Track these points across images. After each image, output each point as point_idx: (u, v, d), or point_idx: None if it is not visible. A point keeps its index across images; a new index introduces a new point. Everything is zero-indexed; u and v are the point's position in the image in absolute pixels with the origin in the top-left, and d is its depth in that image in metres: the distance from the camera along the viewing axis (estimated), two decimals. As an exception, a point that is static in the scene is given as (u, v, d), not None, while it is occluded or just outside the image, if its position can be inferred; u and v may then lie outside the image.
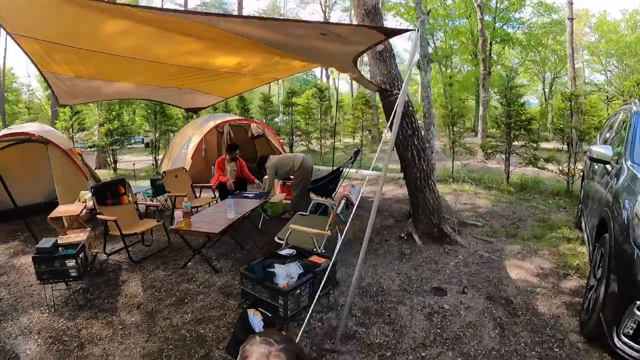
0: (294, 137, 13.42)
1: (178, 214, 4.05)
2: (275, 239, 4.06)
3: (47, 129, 6.34)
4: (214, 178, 6.19)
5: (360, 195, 3.97)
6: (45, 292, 3.54)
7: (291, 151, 13.03)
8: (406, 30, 2.78)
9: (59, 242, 3.56)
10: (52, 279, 3.39)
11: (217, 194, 6.31)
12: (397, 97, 4.70)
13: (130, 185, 4.98)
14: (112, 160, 11.28)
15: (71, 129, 9.68)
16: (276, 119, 15.38)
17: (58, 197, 5.18)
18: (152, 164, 11.87)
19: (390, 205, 6.54)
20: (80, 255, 3.47)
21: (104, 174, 10.52)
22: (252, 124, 9.07)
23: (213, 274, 4.01)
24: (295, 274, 2.56)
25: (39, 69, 4.39)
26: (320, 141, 13.28)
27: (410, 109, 4.87)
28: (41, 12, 2.80)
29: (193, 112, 7.96)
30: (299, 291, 2.54)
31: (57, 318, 3.26)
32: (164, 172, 5.83)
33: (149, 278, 3.97)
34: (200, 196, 6.30)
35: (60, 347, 2.86)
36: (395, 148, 5.07)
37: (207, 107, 7.45)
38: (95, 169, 12.02)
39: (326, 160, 11.77)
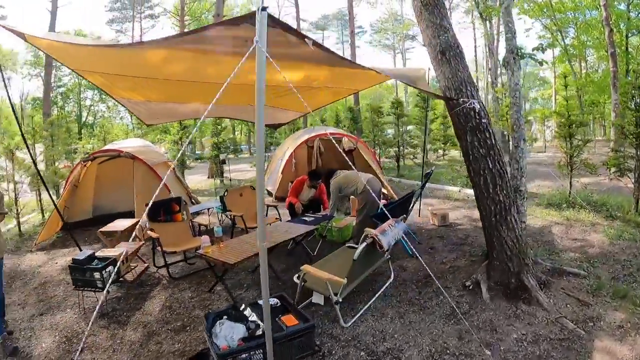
0: (400, 149, 12.44)
1: (205, 238, 3.93)
2: (294, 278, 3.56)
3: (144, 144, 7.25)
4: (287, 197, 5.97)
5: (399, 236, 3.18)
6: (80, 296, 3.82)
7: (397, 165, 12.18)
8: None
9: (96, 254, 3.82)
10: (83, 286, 3.64)
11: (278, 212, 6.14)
12: (465, 107, 3.73)
13: (186, 203, 5.15)
14: (219, 171, 12.49)
15: (180, 142, 11.02)
16: (389, 131, 14.45)
17: (135, 209, 5.76)
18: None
19: (476, 237, 5.28)
20: (107, 269, 3.64)
21: (211, 185, 11.68)
22: (344, 138, 8.70)
23: (230, 303, 3.75)
24: (236, 338, 2.04)
25: (111, 97, 4.96)
26: (426, 154, 12.05)
27: (484, 120, 3.77)
28: (95, 54, 3.23)
29: (273, 128, 8.15)
30: (244, 356, 2.01)
31: (80, 321, 3.54)
32: (226, 190, 5.89)
33: (173, 298, 3.95)
34: (267, 215, 6.19)
35: (66, 347, 3.12)
36: (467, 170, 4.02)
37: (288, 122, 7.51)
38: (208, 177, 13.62)
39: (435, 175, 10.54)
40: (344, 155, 2.82)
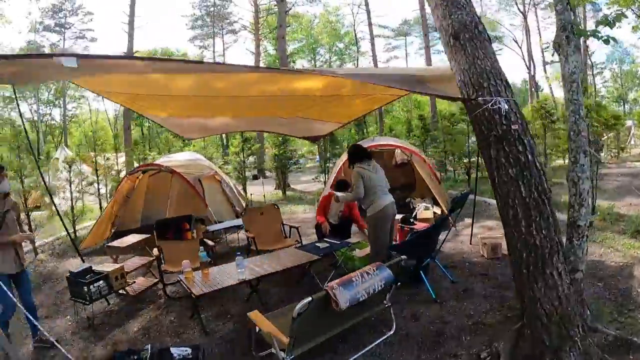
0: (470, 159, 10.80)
1: (185, 264, 3.75)
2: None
3: (192, 158, 7.60)
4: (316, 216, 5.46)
5: (377, 287, 2.53)
6: (74, 307, 3.98)
7: (468, 178, 10.60)
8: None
9: (93, 268, 3.95)
10: (76, 298, 3.78)
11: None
12: (487, 108, 2.85)
13: (201, 221, 5.11)
14: (283, 183, 12.62)
15: (242, 154, 11.42)
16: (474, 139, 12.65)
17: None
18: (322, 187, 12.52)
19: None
20: (95, 284, 3.72)
21: (274, 196, 11.81)
22: (397, 150, 7.87)
23: (203, 335, 3.47)
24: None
25: (137, 113, 5.24)
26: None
27: (515, 127, 2.78)
28: (114, 78, 3.48)
29: (312, 140, 7.81)
30: None
31: (69, 329, 3.73)
32: (245, 208, 5.69)
33: (156, 320, 3.86)
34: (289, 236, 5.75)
35: (44, 352, 3.30)
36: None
37: (326, 134, 7.13)
38: (275, 189, 13.91)
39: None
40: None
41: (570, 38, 2.92)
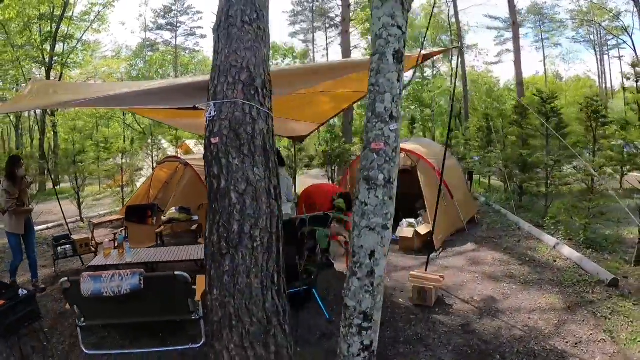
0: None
1: (106, 242, 4.67)
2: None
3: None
4: None
5: (124, 289, 2.89)
6: (55, 263, 5.36)
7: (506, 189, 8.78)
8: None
9: (70, 236, 5.35)
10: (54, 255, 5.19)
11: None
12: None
13: (160, 211, 6.11)
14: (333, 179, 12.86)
15: (294, 149, 12.08)
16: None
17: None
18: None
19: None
20: (62, 247, 5.10)
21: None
22: (401, 154, 7.25)
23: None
24: None
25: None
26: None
27: (215, 141, 2.25)
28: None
29: (298, 141, 7.94)
30: None
31: (50, 277, 5.03)
32: (200, 205, 6.25)
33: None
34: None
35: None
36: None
37: (308, 134, 7.21)
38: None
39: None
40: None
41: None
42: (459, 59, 5.20)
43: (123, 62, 24.82)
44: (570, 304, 3.70)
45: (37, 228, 7.34)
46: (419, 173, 6.78)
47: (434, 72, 27.46)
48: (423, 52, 4.18)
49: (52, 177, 9.12)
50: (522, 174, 8.30)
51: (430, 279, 3.82)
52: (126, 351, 3.17)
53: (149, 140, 12.22)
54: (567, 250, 5.05)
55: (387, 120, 1.80)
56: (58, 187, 11.91)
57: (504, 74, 55.38)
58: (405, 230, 5.98)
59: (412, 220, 6.22)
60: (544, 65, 30.25)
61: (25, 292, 3.42)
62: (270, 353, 1.89)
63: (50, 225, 8.01)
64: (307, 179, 12.75)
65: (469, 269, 4.80)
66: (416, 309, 3.73)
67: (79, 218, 8.29)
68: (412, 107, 26.05)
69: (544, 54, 29.59)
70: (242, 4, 2.30)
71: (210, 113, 2.16)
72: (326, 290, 4.23)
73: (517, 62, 15.21)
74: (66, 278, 3.02)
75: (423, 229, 5.87)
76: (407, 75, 29.99)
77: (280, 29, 65.80)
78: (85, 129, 17.51)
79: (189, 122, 6.45)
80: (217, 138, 2.13)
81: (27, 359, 3.12)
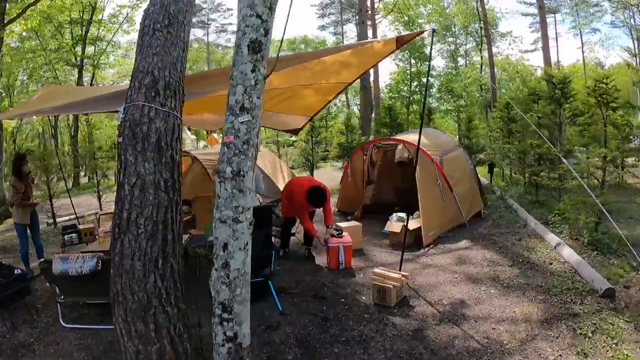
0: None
1: (101, 231, 5.01)
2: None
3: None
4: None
5: (84, 270, 3.22)
6: (63, 249, 5.83)
7: (527, 183, 8.06)
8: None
9: (78, 226, 5.78)
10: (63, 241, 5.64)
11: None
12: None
13: None
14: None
15: (311, 142, 12.12)
16: None
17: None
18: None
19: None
20: (68, 235, 5.57)
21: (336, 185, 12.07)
22: (399, 145, 6.95)
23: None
24: None
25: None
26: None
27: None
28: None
29: (293, 133, 7.95)
30: None
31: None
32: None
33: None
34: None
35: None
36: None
37: (301, 127, 7.21)
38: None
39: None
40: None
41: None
42: (432, 40, 5.00)
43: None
44: (549, 315, 3.29)
45: (62, 219, 8.05)
46: (418, 166, 6.52)
47: (466, 62, 26.17)
48: (396, 35, 4.04)
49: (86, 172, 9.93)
50: (534, 165, 7.69)
51: (392, 277, 3.65)
52: (98, 327, 3.44)
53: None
54: (567, 252, 4.63)
55: (238, 112, 1.86)
56: (89, 181, 12.80)
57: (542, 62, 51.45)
58: (394, 224, 5.82)
59: (402, 214, 6.01)
60: (582, 52, 27.97)
61: (19, 271, 3.90)
62: (150, 330, 2.10)
63: (71, 217, 8.71)
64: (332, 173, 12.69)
65: (452, 268, 4.56)
66: (374, 308, 3.59)
67: (99, 210, 8.90)
68: (444, 98, 25.01)
69: (581, 41, 27.28)
70: (156, 12, 2.56)
71: (120, 115, 2.41)
72: (295, 283, 4.24)
73: (545, 48, 14.27)
74: (43, 259, 3.45)
75: (413, 224, 5.60)
76: (440, 65, 28.76)
77: (309, 22, 66.08)
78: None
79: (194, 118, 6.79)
80: (121, 137, 2.39)
81: (16, 328, 3.51)
